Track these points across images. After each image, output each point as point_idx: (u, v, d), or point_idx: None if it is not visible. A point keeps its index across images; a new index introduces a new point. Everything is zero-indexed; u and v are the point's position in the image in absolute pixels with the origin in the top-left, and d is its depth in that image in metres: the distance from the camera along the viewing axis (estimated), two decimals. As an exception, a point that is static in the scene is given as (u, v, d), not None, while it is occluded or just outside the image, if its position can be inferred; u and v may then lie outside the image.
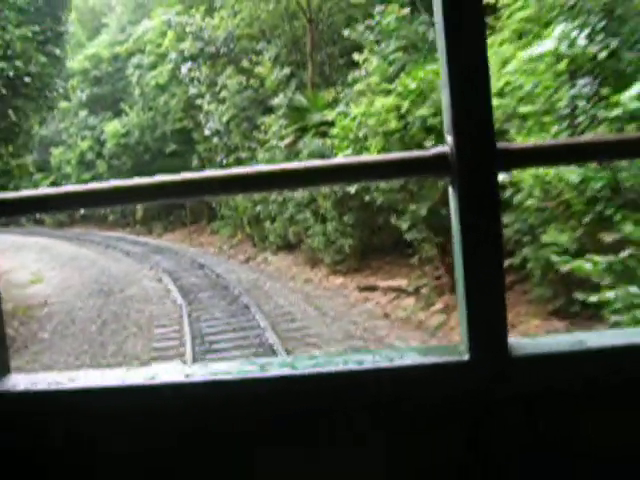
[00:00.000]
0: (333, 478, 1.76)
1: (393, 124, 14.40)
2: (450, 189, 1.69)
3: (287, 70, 25.21)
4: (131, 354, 12.86)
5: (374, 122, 15.09)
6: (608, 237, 8.10)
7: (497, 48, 10.16)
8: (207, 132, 29.90)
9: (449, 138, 1.66)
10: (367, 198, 16.88)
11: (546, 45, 7.92)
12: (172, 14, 33.02)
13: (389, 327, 14.75)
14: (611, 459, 1.73)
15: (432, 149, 1.72)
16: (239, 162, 27.72)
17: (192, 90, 31.18)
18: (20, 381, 1.83)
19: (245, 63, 27.52)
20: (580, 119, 7.89)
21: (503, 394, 1.71)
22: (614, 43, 7.53)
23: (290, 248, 24.12)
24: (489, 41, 11.49)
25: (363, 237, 19.61)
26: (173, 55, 32.75)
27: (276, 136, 23.78)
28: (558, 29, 7.86)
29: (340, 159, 2.17)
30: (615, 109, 7.30)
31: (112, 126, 40.24)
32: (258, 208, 25.61)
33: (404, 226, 15.80)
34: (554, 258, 9.23)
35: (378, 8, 19.67)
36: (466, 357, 1.69)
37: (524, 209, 11.47)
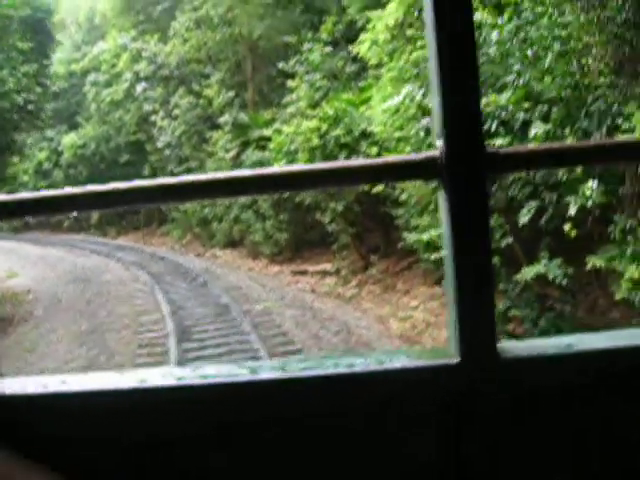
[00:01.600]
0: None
1: (315, 141, 18.81)
2: (440, 192, 1.73)
3: (232, 93, 29.44)
4: (121, 314, 17.05)
5: (302, 139, 19.48)
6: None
7: (382, 91, 14.77)
8: (160, 144, 33.74)
9: (439, 142, 1.68)
10: (298, 199, 21.24)
11: (399, 98, 12.51)
12: (127, 38, 36.85)
13: (314, 297, 19.10)
14: (599, 461, 1.78)
15: (423, 153, 1.90)
16: (189, 171, 31.75)
17: (146, 107, 34.94)
18: (10, 385, 1.82)
19: (195, 85, 31.70)
20: (423, 144, 12.40)
21: (492, 396, 1.73)
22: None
23: (235, 245, 28.16)
24: (375, 88, 16.07)
25: (296, 232, 23.73)
26: (128, 75, 36.43)
27: (223, 149, 28.02)
28: (406, 87, 12.48)
29: (334, 163, 2.38)
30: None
31: (69, 138, 43.56)
32: (206, 210, 29.56)
33: (326, 220, 20.22)
34: (423, 237, 13.72)
35: (307, 45, 24.26)
36: (455, 360, 1.72)
37: (407, 204, 15.98)
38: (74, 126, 44.94)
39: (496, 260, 11.51)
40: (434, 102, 1.70)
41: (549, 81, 9.87)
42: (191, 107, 31.21)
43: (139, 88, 35.33)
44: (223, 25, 30.98)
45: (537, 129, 9.84)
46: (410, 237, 14.77)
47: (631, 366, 1.77)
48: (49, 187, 42.92)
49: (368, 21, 15.22)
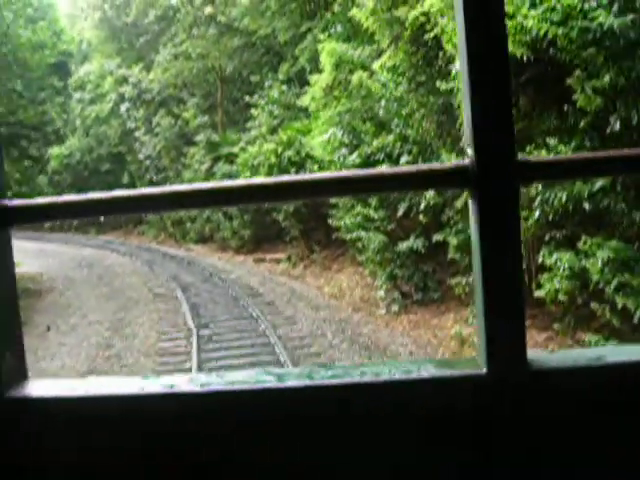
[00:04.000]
0: None
1: (273, 160, 25.48)
2: (470, 202, 1.72)
3: (206, 117, 36.01)
4: (132, 282, 23.56)
5: (262, 158, 26.14)
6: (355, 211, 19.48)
7: (319, 128, 21.67)
8: (141, 156, 39.93)
9: (469, 151, 1.67)
10: (259, 202, 27.77)
11: (328, 135, 19.47)
12: (113, 65, 42.95)
13: (271, 274, 25.78)
14: (630, 475, 1.75)
15: (453, 162, 1.82)
16: (167, 179, 38.12)
17: (129, 124, 41.08)
18: (36, 387, 1.85)
19: (174, 108, 38.15)
20: (343, 166, 19.22)
21: (521, 408, 1.72)
22: (351, 138, 18.99)
23: (205, 241, 34.42)
24: (315, 124, 22.88)
25: (257, 229, 30.19)
26: (113, 96, 42.45)
27: (198, 162, 34.50)
28: (332, 129, 19.37)
29: (363, 170, 2.00)
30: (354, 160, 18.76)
31: (57, 149, 49.27)
32: (181, 212, 35.73)
33: (281, 218, 26.86)
34: (341, 222, 20.49)
35: (267, 82, 31.12)
36: (484, 370, 1.71)
37: (337, 206, 22.71)
38: (60, 138, 50.60)
39: (385, 238, 18.40)
40: (465, 110, 1.69)
41: (413, 131, 16.73)
42: (170, 126, 37.52)
43: (123, 107, 41.38)
44: (199, 59, 37.53)
45: (404, 159, 16.76)
46: (335, 222, 21.49)
47: None
48: (32, 191, 48.76)
49: (310, 81, 22.06)
